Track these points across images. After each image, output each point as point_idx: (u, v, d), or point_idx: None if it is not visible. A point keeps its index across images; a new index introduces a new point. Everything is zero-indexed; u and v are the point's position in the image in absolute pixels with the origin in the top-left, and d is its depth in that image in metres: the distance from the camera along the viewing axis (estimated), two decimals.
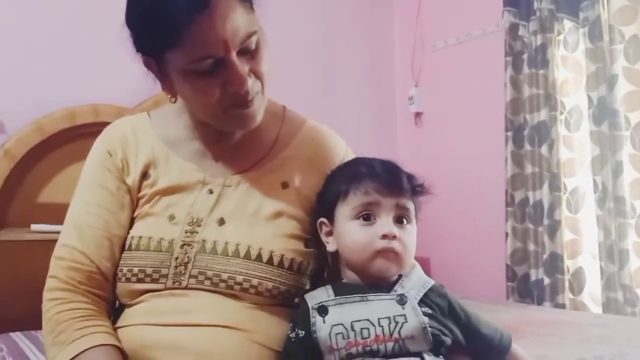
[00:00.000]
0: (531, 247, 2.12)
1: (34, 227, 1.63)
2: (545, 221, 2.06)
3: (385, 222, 0.76)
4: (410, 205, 0.79)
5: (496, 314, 1.75)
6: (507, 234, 2.18)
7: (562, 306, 2.00)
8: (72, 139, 1.80)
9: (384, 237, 0.75)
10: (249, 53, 0.78)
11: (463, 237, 2.47)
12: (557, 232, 2.03)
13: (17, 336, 1.42)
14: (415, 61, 2.71)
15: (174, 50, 0.75)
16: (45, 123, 1.77)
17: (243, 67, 0.77)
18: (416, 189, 0.80)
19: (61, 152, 1.79)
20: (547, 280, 2.04)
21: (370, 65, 2.74)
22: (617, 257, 1.85)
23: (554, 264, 2.03)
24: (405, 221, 0.78)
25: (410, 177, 0.81)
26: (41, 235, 1.57)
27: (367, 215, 0.77)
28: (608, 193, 1.89)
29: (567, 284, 2.03)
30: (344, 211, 0.79)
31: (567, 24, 2.08)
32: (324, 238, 0.82)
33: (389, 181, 0.78)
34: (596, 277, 1.96)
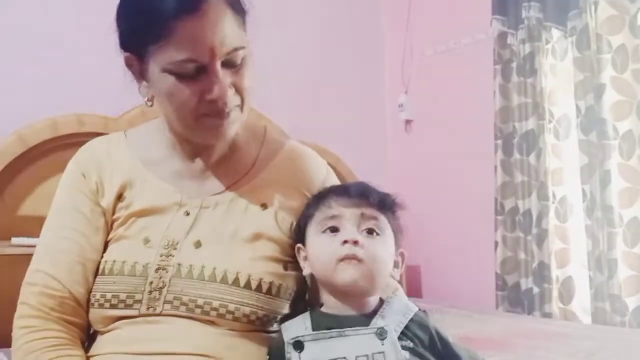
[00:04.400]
0: (521, 256, 2.11)
1: (14, 240, 1.60)
2: (534, 230, 2.05)
3: (349, 231, 0.75)
4: (379, 216, 0.77)
5: (485, 325, 1.74)
6: (497, 242, 2.17)
7: (551, 315, 1.99)
8: (55, 150, 1.76)
9: (345, 242, 0.74)
10: (234, 67, 0.78)
11: (453, 245, 2.46)
12: (544, 241, 2.02)
13: None
14: (405, 68, 2.70)
15: (158, 45, 0.74)
16: (27, 134, 1.73)
17: (225, 78, 0.76)
18: (385, 201, 0.79)
19: (44, 164, 1.75)
20: (536, 290, 2.03)
21: (360, 72, 2.73)
22: (605, 267, 1.85)
23: (542, 273, 2.02)
24: (375, 233, 0.76)
25: (381, 193, 0.80)
26: (22, 249, 1.53)
27: (333, 228, 0.76)
28: (596, 202, 1.88)
29: (555, 293, 2.02)
30: (312, 230, 0.79)
31: (555, 32, 2.08)
32: (301, 263, 0.81)
33: (353, 193, 0.78)
34: (586, 287, 1.95)
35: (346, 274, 0.73)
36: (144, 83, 0.82)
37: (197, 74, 0.75)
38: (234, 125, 0.82)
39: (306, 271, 0.80)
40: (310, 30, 2.55)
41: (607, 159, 1.86)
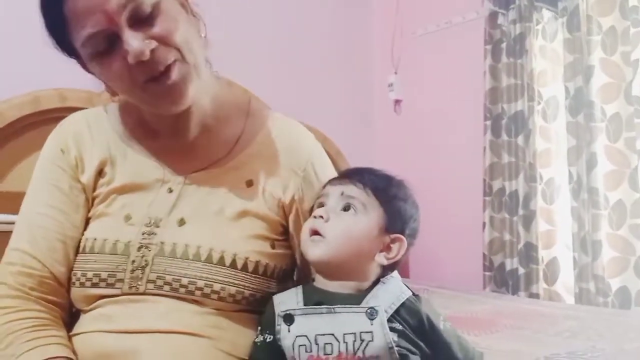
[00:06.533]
0: (507, 236, 2.12)
1: None
2: (521, 211, 2.06)
3: (326, 207, 0.76)
4: (358, 194, 0.76)
5: (472, 305, 1.75)
6: (484, 223, 2.18)
7: (537, 296, 2.01)
8: (35, 125, 1.72)
9: (314, 217, 0.76)
10: (145, 20, 0.71)
11: (441, 225, 2.45)
12: (532, 222, 2.03)
13: None
14: (395, 48, 2.67)
15: (71, 34, 0.71)
16: (5, 109, 1.69)
17: (136, 34, 0.70)
18: (371, 183, 0.78)
19: (24, 140, 1.71)
20: (522, 270, 2.05)
21: (350, 52, 2.70)
22: (590, 248, 1.86)
23: (529, 254, 2.04)
24: (352, 210, 0.76)
25: (377, 176, 0.80)
26: (3, 227, 1.50)
27: (320, 204, 0.78)
28: (583, 184, 1.89)
29: (541, 274, 2.04)
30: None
31: (546, 13, 2.07)
32: None
33: (342, 174, 0.81)
34: (570, 268, 1.98)
35: (311, 252, 0.74)
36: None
37: (113, 44, 0.70)
38: (187, 82, 0.74)
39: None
40: (300, 8, 2.51)
41: (594, 142, 1.87)
